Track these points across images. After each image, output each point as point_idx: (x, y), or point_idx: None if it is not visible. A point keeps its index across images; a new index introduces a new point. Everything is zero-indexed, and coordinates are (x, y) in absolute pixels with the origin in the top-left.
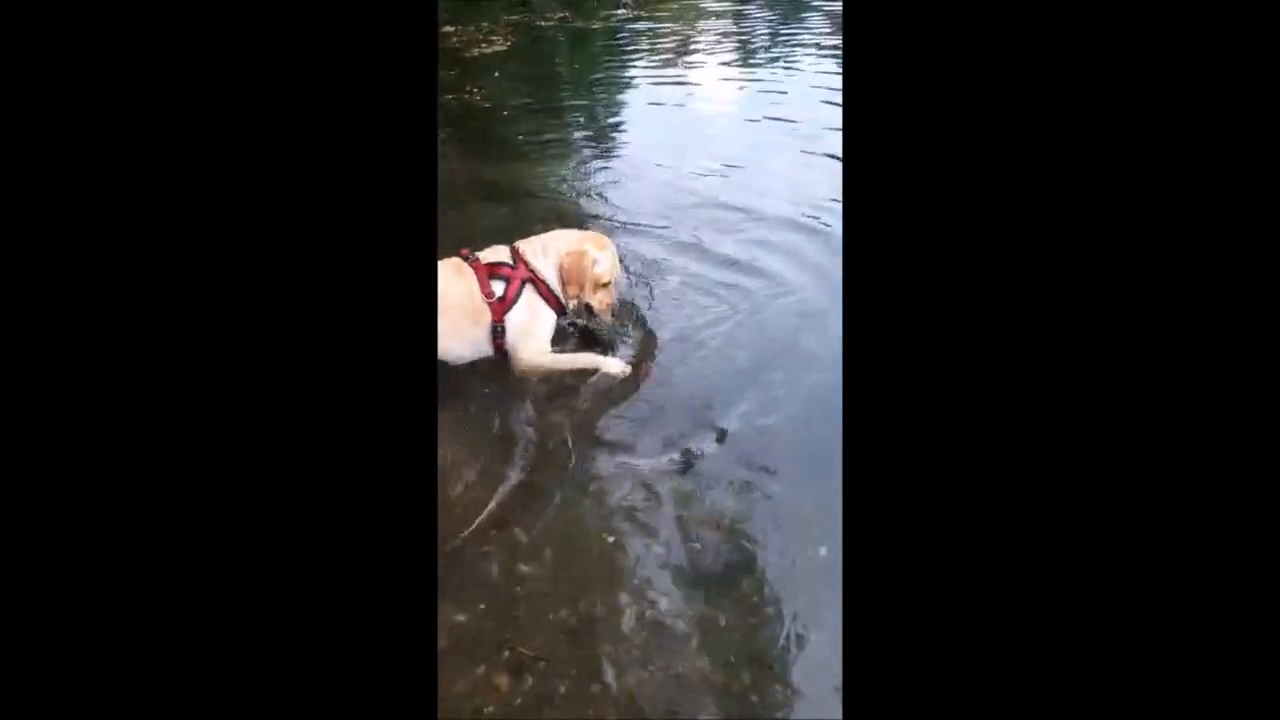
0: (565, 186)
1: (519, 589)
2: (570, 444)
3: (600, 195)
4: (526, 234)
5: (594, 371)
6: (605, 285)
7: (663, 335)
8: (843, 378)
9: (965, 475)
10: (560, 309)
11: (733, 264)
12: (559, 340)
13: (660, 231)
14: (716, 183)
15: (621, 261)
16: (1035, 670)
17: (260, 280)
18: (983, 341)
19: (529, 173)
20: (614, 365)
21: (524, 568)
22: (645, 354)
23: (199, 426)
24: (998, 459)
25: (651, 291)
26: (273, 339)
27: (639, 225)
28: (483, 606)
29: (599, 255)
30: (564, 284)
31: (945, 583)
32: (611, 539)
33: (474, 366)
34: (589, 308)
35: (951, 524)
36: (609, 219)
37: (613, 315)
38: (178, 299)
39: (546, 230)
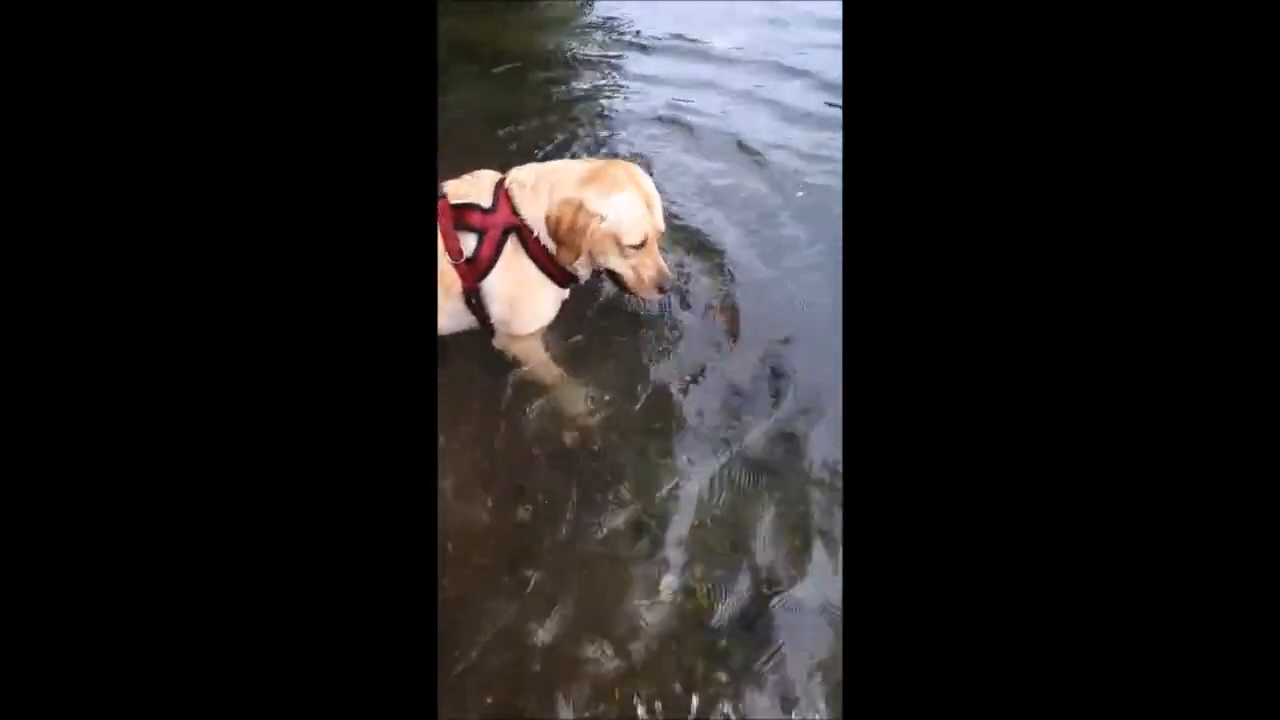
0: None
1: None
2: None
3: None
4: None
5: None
6: (638, 247)
7: None
8: (843, 378)
9: (969, 477)
10: (560, 277)
11: None
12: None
13: None
14: None
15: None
16: (1034, 668)
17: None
18: (982, 343)
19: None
20: (571, 395)
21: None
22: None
23: (187, 413)
24: (999, 462)
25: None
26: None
27: None
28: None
29: (606, 204)
30: (556, 244)
31: (946, 588)
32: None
33: (465, 339)
34: (614, 275)
35: (955, 527)
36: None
37: (660, 290)
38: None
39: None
